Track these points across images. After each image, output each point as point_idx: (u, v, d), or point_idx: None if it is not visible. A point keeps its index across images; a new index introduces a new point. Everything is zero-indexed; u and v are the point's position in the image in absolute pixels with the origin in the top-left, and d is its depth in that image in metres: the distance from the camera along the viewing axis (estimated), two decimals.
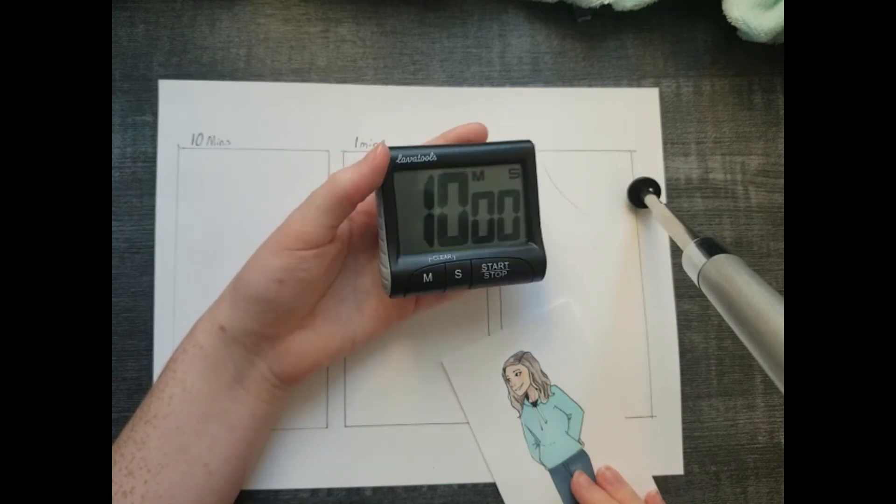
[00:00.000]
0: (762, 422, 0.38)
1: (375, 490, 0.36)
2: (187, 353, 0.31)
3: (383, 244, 0.32)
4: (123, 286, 0.36)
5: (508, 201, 0.33)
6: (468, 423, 0.36)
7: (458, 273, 0.32)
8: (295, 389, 0.34)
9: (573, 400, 0.37)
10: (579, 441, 0.37)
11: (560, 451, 0.37)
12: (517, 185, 0.33)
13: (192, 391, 0.30)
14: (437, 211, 0.32)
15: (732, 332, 0.26)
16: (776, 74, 0.41)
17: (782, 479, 0.38)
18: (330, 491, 0.35)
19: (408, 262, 0.31)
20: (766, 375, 0.38)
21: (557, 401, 0.37)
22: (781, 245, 0.40)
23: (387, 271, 0.31)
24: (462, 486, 0.36)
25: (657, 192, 0.38)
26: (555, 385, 0.37)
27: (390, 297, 0.32)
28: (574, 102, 0.40)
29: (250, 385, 0.31)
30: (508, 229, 0.33)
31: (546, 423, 0.37)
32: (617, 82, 0.40)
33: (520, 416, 0.37)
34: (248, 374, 0.31)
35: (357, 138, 0.38)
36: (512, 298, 0.38)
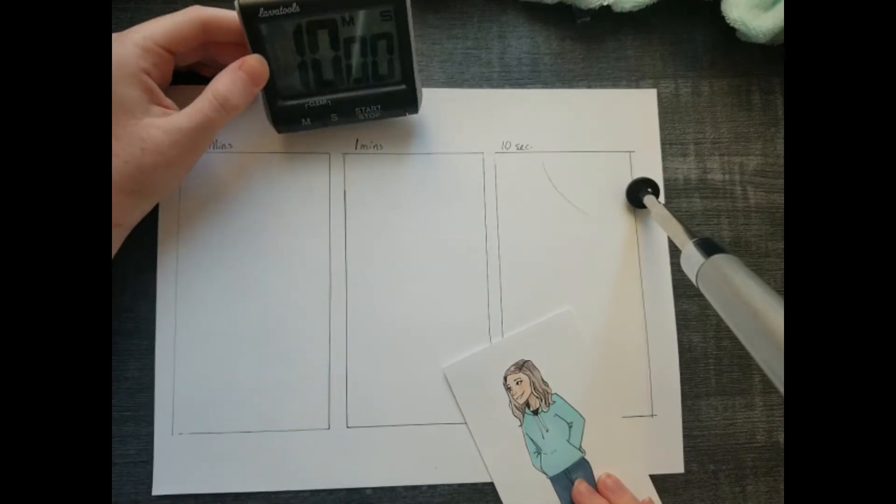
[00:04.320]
0: (760, 421, 0.38)
1: (375, 489, 0.36)
2: None
3: (263, 93, 0.34)
4: (124, 286, 0.36)
5: (382, 44, 0.33)
6: (470, 432, 0.36)
7: (334, 117, 0.35)
8: (294, 389, 0.34)
9: (574, 408, 0.37)
10: (580, 449, 0.37)
11: (561, 460, 0.37)
12: (390, 27, 0.33)
13: None
14: (309, 57, 0.33)
15: (731, 331, 0.26)
16: (774, 75, 0.41)
17: (781, 477, 0.38)
18: (331, 491, 0.36)
19: (287, 107, 0.34)
20: (765, 375, 0.38)
21: (558, 409, 0.37)
22: (779, 245, 0.40)
23: (270, 116, 0.34)
24: (462, 486, 0.36)
25: (656, 193, 0.38)
26: (556, 393, 0.37)
27: (277, 132, 0.35)
28: (573, 103, 0.40)
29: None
30: (383, 71, 0.34)
31: (547, 431, 0.37)
32: (616, 83, 0.40)
33: (521, 425, 0.37)
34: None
35: (357, 140, 0.38)
36: (513, 306, 0.38)
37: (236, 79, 0.32)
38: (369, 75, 0.34)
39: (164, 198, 0.37)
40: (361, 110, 0.35)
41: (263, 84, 0.33)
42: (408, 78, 0.34)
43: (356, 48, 0.33)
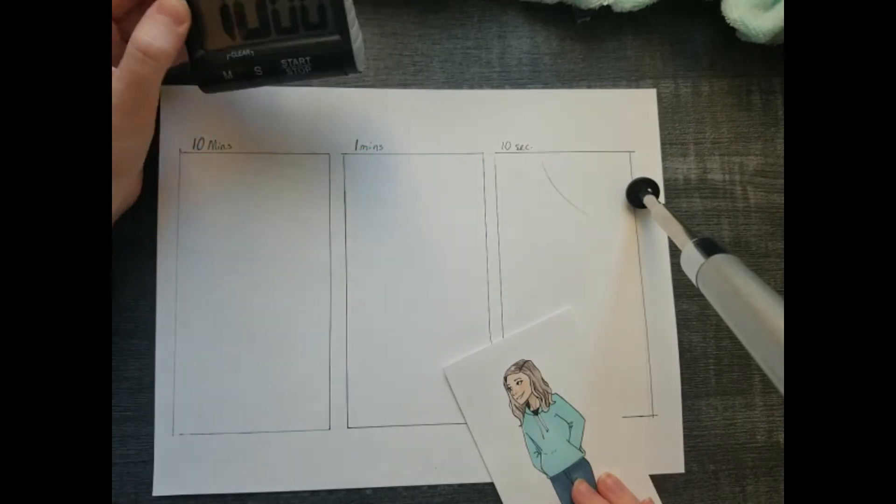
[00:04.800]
0: (760, 421, 0.38)
1: (376, 490, 0.36)
2: None
3: (186, 47, 0.31)
4: (125, 286, 0.36)
5: None
6: (470, 432, 0.36)
7: (258, 70, 0.31)
8: (295, 390, 0.34)
9: (574, 408, 0.37)
10: (580, 449, 0.37)
11: (561, 460, 0.37)
12: None
13: None
14: (231, 1, 0.31)
15: (731, 331, 0.26)
16: (774, 75, 0.41)
17: (781, 477, 0.38)
18: (331, 491, 0.36)
19: (208, 57, 0.31)
20: (765, 375, 0.38)
21: (559, 409, 0.37)
22: (779, 245, 0.40)
23: (191, 70, 0.31)
24: (462, 486, 0.36)
25: (656, 193, 0.38)
26: (556, 393, 0.37)
27: (203, 91, 0.32)
28: (573, 103, 0.40)
29: None
30: (314, 18, 0.31)
31: (547, 431, 0.37)
32: (616, 83, 0.40)
33: (521, 425, 0.37)
34: None
35: (357, 141, 0.38)
36: (513, 306, 0.38)
37: (155, 22, 0.29)
38: (298, 23, 0.31)
39: (130, 174, 0.34)
40: (289, 63, 0.31)
41: (187, 24, 0.30)
42: (341, 27, 0.30)
43: None
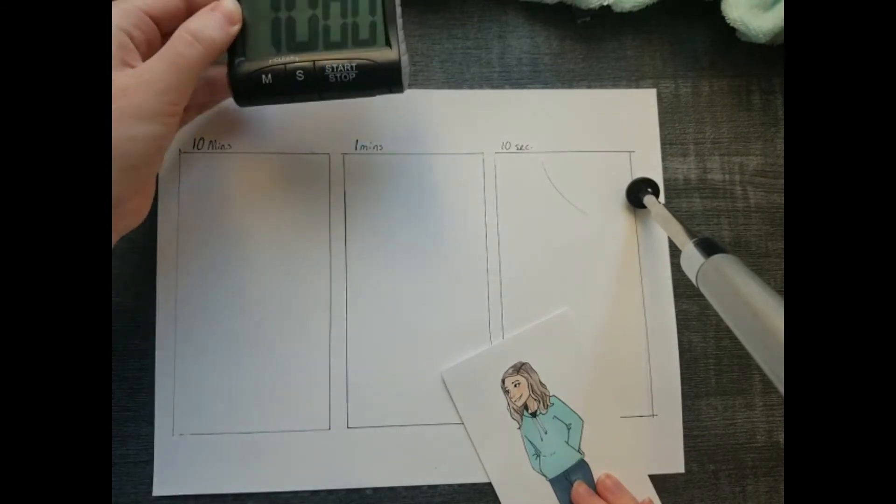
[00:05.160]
0: (760, 421, 0.38)
1: (376, 490, 0.36)
2: None
3: (227, 55, 0.30)
4: (125, 286, 0.36)
5: (364, 3, 0.30)
6: (469, 435, 0.36)
7: (299, 74, 0.29)
8: (295, 390, 0.34)
9: (572, 410, 0.37)
10: (579, 451, 0.37)
11: (560, 462, 0.37)
12: None
13: None
14: (284, 14, 0.30)
15: (731, 331, 0.26)
16: (775, 75, 0.41)
17: (781, 477, 0.38)
18: (331, 491, 0.36)
19: (249, 64, 0.30)
20: (765, 375, 0.38)
21: (557, 411, 0.37)
22: (779, 245, 0.40)
23: (230, 79, 0.30)
24: (462, 486, 0.36)
25: (656, 193, 0.38)
26: (554, 395, 0.37)
27: (238, 104, 0.31)
28: (573, 103, 0.40)
29: None
30: (364, 34, 0.30)
31: (546, 433, 0.37)
32: (616, 83, 0.40)
33: (519, 427, 0.37)
34: None
35: (357, 141, 0.38)
36: (513, 306, 0.38)
37: (210, 16, 0.29)
38: (347, 38, 0.30)
39: (146, 170, 0.30)
40: (333, 69, 0.29)
41: (238, 27, 0.30)
42: (391, 44, 0.30)
43: (336, 6, 0.30)
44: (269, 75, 0.30)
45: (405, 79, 0.31)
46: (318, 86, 0.30)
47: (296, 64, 0.30)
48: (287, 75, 0.30)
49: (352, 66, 0.30)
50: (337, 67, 0.30)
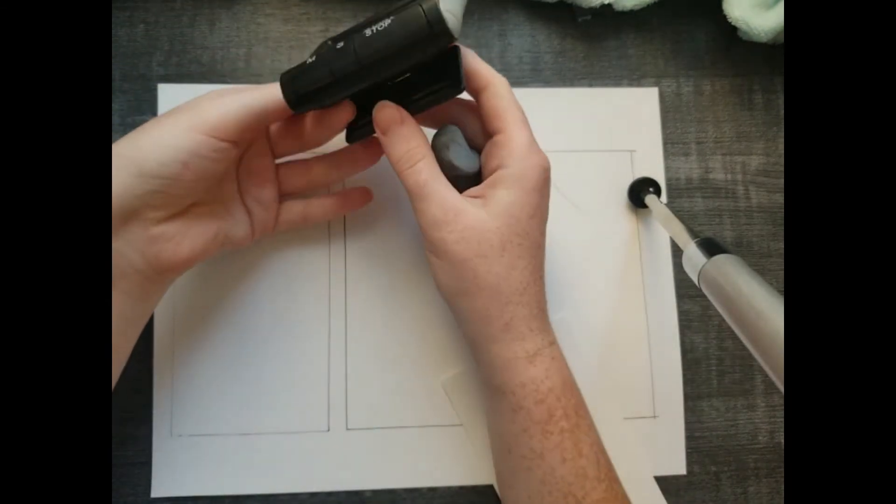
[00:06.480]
0: (762, 422, 0.38)
1: (375, 492, 0.36)
2: None
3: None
4: None
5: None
6: (470, 440, 0.36)
7: (339, 43, 0.28)
8: (294, 391, 0.34)
9: None
10: None
11: None
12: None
13: None
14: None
15: (733, 332, 0.26)
16: (776, 74, 0.41)
17: (783, 479, 0.38)
18: (330, 493, 0.35)
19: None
20: (767, 376, 0.38)
21: None
22: (782, 245, 0.40)
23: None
24: (462, 488, 0.36)
25: (657, 192, 0.38)
26: None
27: (294, 111, 0.29)
28: (574, 102, 0.40)
29: (117, 280, 0.28)
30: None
31: None
32: (617, 82, 0.40)
33: None
34: (115, 267, 0.28)
35: None
36: None
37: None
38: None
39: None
40: (370, 23, 0.27)
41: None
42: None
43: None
44: (313, 56, 0.28)
45: (450, 19, 0.25)
46: (357, 51, 0.27)
47: (332, 45, 0.28)
48: (328, 48, 0.28)
49: (387, 15, 0.27)
50: (373, 20, 0.27)
